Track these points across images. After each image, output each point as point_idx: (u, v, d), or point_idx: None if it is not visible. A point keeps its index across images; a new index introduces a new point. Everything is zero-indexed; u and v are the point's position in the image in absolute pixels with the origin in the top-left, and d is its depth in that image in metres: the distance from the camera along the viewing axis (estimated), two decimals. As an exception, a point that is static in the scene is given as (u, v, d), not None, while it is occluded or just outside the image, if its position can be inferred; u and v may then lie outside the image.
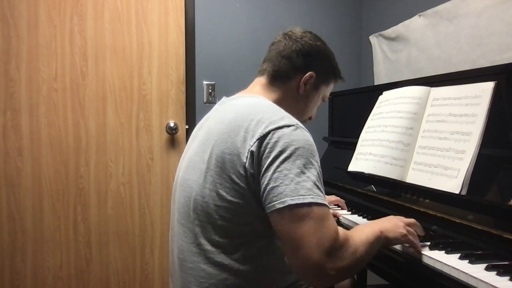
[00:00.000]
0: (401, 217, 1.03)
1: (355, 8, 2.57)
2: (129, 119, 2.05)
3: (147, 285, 2.11)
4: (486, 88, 1.07)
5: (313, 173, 0.82)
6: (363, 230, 0.90)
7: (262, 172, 0.82)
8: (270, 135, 0.83)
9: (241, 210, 0.86)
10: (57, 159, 1.95)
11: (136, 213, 2.08)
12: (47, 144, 1.94)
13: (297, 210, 0.78)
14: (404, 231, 0.95)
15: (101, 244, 2.03)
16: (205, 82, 2.25)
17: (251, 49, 2.31)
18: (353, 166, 1.47)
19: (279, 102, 1.02)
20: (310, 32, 1.09)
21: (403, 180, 1.23)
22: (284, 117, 0.87)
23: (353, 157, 1.49)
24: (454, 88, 1.18)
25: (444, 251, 0.95)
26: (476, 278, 0.80)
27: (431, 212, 1.13)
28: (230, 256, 0.88)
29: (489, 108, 1.04)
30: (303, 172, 0.81)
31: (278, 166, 0.81)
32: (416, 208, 1.18)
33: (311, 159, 0.83)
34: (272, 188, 0.80)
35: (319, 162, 0.86)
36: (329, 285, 0.82)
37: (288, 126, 0.84)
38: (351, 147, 1.54)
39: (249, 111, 0.90)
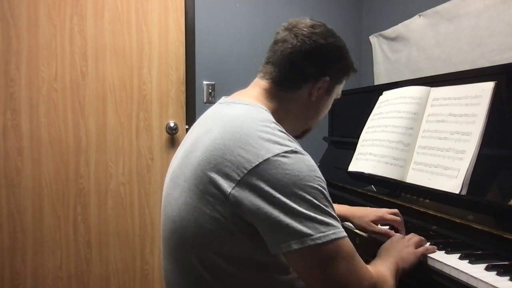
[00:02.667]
0: (399, 236, 1.03)
1: (355, 8, 2.57)
2: (129, 119, 2.05)
3: (147, 285, 2.11)
4: (486, 88, 1.07)
5: (325, 203, 0.73)
6: (384, 264, 0.86)
7: (262, 207, 0.71)
8: (265, 165, 0.71)
9: (215, 240, 0.76)
10: (57, 159, 1.95)
11: (136, 213, 2.08)
12: (47, 144, 1.94)
13: (323, 250, 0.70)
14: (413, 249, 0.94)
15: (101, 244, 2.03)
16: (205, 82, 2.25)
17: (251, 49, 2.31)
18: (353, 166, 1.47)
19: (282, 111, 0.91)
20: (319, 25, 0.92)
21: (403, 180, 1.23)
22: (279, 140, 0.75)
23: (353, 157, 1.49)
24: (454, 88, 1.18)
25: (444, 251, 0.95)
26: (476, 278, 0.80)
27: (431, 212, 1.13)
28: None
29: (489, 108, 1.04)
30: (314, 206, 0.71)
31: (285, 202, 0.70)
32: (416, 208, 1.18)
33: (318, 186, 0.73)
34: (286, 226, 0.70)
35: (323, 183, 0.76)
36: None
37: (286, 153, 0.73)
38: (351, 147, 1.54)
39: (238, 128, 0.77)
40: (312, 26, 0.91)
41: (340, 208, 1.18)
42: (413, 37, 2.02)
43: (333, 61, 0.93)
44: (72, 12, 1.95)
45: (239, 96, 0.93)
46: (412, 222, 1.16)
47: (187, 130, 2.13)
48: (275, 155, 0.72)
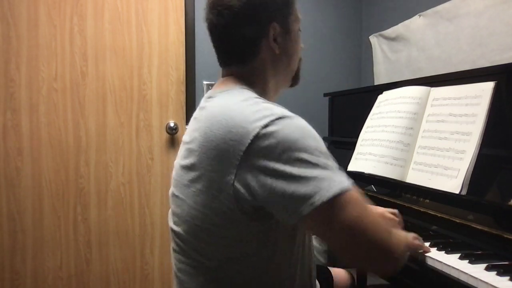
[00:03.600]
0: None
1: (355, 8, 2.57)
2: (129, 119, 2.05)
3: (147, 285, 2.11)
4: (486, 88, 1.07)
5: (323, 159, 0.71)
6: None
7: (266, 182, 0.71)
8: (257, 140, 0.71)
9: (228, 234, 0.78)
10: (57, 159, 1.95)
11: (136, 213, 2.08)
12: (47, 144, 1.94)
13: (330, 205, 0.68)
14: (410, 239, 0.94)
15: (101, 244, 2.03)
16: (205, 82, 2.25)
17: (251, 49, 2.31)
18: (353, 166, 1.47)
19: (260, 80, 0.89)
20: None
21: (403, 180, 1.23)
22: (264, 112, 0.74)
23: (353, 157, 1.49)
24: (454, 88, 1.18)
25: (444, 251, 0.95)
26: (476, 278, 0.80)
27: (431, 212, 1.13)
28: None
29: (489, 108, 1.04)
30: (313, 164, 0.70)
31: (284, 170, 0.69)
32: (416, 208, 1.18)
33: (313, 143, 0.72)
34: (291, 195, 0.69)
35: (319, 139, 0.74)
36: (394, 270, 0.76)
37: (273, 121, 0.71)
38: (351, 147, 1.54)
39: (223, 115, 0.77)
40: None
41: None
42: (413, 37, 2.02)
43: (267, 7, 0.85)
44: (72, 12, 1.95)
45: (219, 87, 0.92)
46: (412, 222, 1.16)
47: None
48: (264, 127, 0.71)
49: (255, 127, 0.71)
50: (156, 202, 2.11)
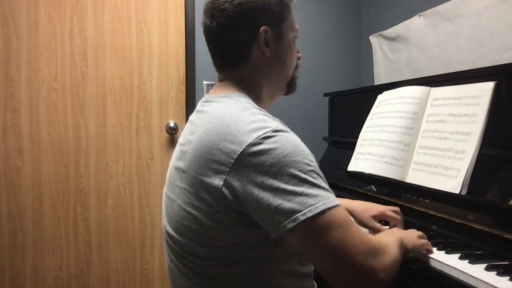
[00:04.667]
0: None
1: (355, 8, 2.57)
2: (129, 119, 2.05)
3: (147, 285, 2.11)
4: (486, 88, 1.07)
5: (313, 175, 0.72)
6: (387, 236, 0.86)
7: (253, 193, 0.71)
8: (250, 151, 0.72)
9: (216, 236, 0.78)
10: (57, 159, 1.95)
11: (136, 213, 2.08)
12: (47, 144, 1.94)
13: (315, 223, 0.69)
14: (416, 237, 0.94)
15: (101, 244, 2.03)
16: (205, 82, 2.25)
17: (251, 49, 2.30)
18: (353, 166, 1.47)
19: (255, 85, 0.91)
20: None
21: (403, 180, 1.23)
22: (259, 124, 0.75)
23: (353, 157, 1.49)
24: (454, 88, 1.18)
25: (444, 251, 0.95)
26: (476, 278, 0.80)
27: (431, 212, 1.13)
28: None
29: (489, 108, 1.04)
30: (302, 180, 0.71)
31: (272, 184, 0.70)
32: (416, 208, 1.18)
33: (303, 159, 0.73)
34: (276, 208, 0.70)
35: (311, 156, 0.75)
36: None
37: (267, 134, 0.73)
38: (351, 147, 1.54)
39: (219, 122, 0.78)
40: None
41: (341, 202, 1.20)
42: (413, 37, 2.02)
43: (258, 11, 0.87)
44: (72, 12, 1.95)
45: (216, 91, 0.93)
46: (412, 222, 1.17)
47: (187, 130, 2.13)
48: (257, 138, 0.72)
49: (248, 138, 0.73)
50: (156, 202, 2.11)
